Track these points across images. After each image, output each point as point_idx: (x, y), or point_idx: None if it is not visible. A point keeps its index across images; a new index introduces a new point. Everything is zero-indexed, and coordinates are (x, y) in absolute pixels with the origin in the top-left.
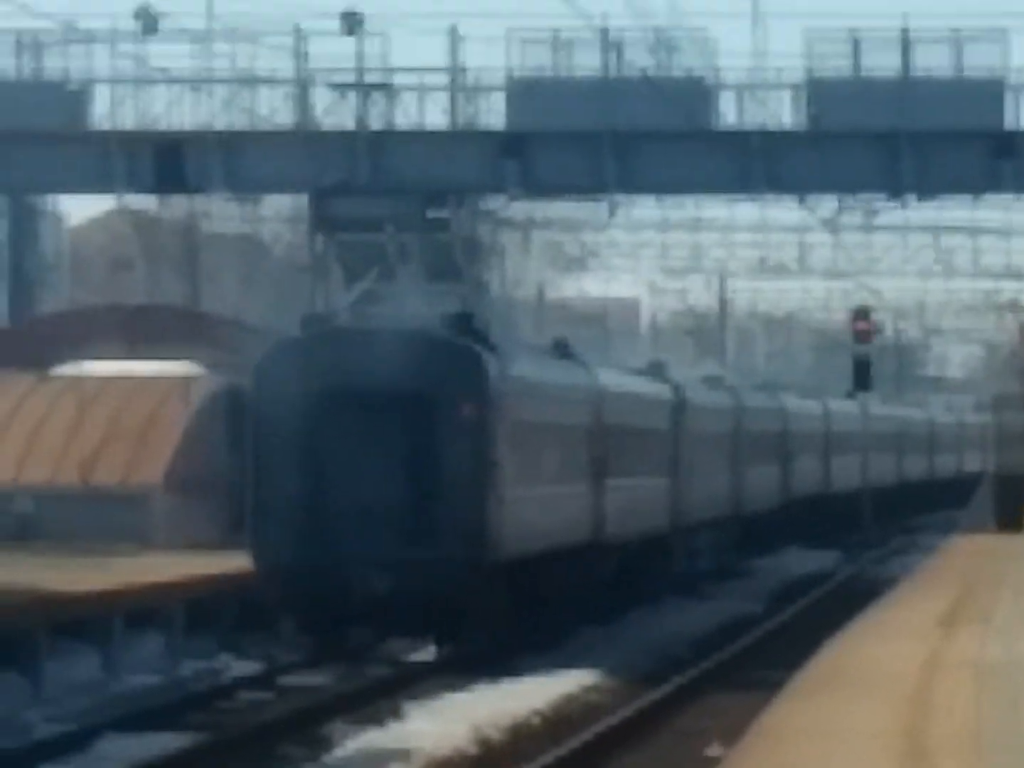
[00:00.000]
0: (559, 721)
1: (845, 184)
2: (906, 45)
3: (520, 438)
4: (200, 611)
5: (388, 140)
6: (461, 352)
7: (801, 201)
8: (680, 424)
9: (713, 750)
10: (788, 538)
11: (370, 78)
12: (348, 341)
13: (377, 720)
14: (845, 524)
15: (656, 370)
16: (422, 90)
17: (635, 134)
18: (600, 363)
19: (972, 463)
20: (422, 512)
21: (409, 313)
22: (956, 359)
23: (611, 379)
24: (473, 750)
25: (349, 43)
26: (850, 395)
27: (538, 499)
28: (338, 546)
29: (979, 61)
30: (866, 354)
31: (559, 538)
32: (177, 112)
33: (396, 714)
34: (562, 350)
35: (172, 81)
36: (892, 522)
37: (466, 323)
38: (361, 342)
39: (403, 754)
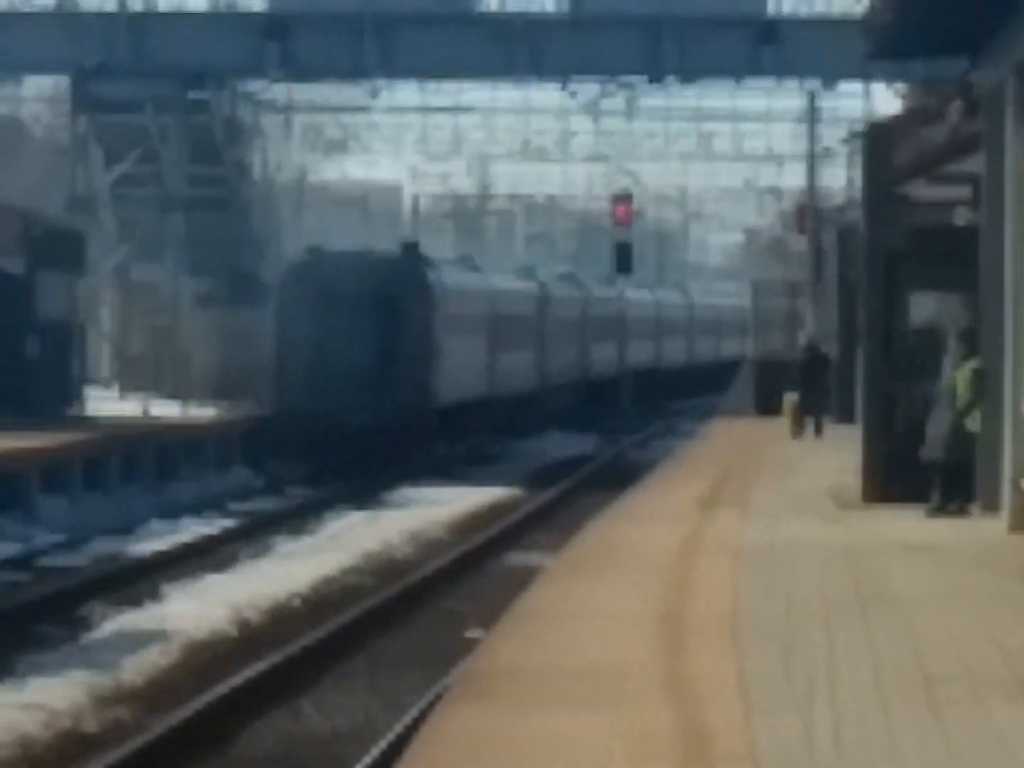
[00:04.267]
0: (319, 603)
1: (607, 68)
2: None
3: (448, 325)
4: None
5: (148, 22)
6: (412, 268)
7: (563, 86)
8: (544, 312)
9: (473, 632)
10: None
11: None
12: (338, 261)
13: (136, 601)
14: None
15: (528, 272)
16: None
17: (397, 17)
18: (492, 270)
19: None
20: (388, 374)
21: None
22: (717, 245)
23: (499, 281)
24: (232, 631)
25: None
26: (679, 285)
27: (459, 366)
28: (332, 396)
29: None
30: (626, 238)
31: (472, 392)
32: None
33: (155, 596)
34: (469, 262)
35: None
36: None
37: (414, 249)
38: (347, 262)
39: (161, 635)
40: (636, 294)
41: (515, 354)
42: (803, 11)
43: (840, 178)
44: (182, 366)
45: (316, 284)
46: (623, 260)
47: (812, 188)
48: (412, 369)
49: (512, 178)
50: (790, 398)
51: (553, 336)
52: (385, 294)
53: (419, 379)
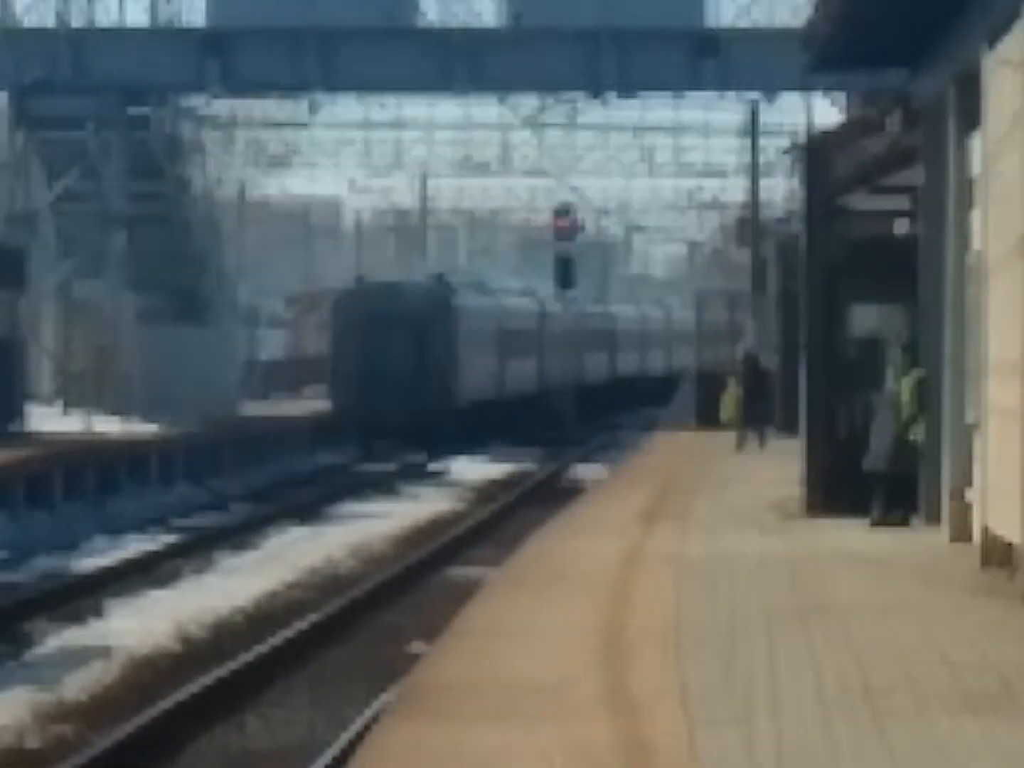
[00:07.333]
0: (262, 617)
1: (547, 82)
2: None
3: (468, 339)
4: None
5: (89, 38)
6: (438, 293)
7: (502, 99)
8: (543, 325)
9: (416, 647)
10: (617, 404)
11: None
12: (381, 288)
13: (78, 618)
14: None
15: (529, 291)
16: None
17: (336, 32)
18: (502, 291)
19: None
20: (420, 379)
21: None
22: (659, 257)
23: (507, 300)
24: (175, 647)
25: None
26: (658, 301)
27: (475, 372)
28: (376, 397)
29: None
30: (568, 252)
31: (485, 394)
32: None
33: (98, 612)
34: (482, 286)
35: None
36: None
37: (440, 277)
38: (386, 289)
39: (104, 651)
40: (622, 309)
41: (519, 362)
42: (743, 23)
43: (781, 190)
44: (124, 382)
45: (362, 307)
46: (565, 275)
47: (755, 201)
48: (439, 375)
49: (453, 192)
50: (732, 392)
51: (551, 346)
52: (417, 315)
53: (445, 383)
